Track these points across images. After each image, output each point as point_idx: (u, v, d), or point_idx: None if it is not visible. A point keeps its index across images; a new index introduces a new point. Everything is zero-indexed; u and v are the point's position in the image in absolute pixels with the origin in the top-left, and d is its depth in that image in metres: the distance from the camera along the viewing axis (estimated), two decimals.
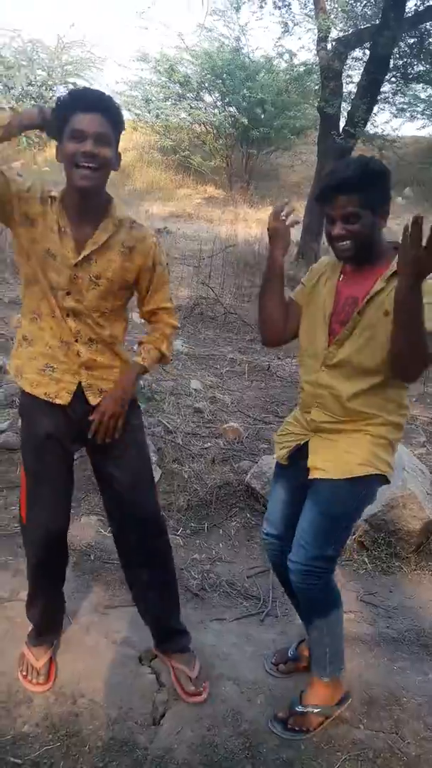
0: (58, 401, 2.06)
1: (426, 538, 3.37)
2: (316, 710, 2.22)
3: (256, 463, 3.77)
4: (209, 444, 4.19)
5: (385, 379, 1.96)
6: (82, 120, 1.85)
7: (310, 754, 2.12)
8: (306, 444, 2.12)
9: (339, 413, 2.02)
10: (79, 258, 1.95)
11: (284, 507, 2.26)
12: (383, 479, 2.07)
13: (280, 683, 2.40)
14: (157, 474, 3.66)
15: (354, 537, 3.32)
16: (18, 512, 2.30)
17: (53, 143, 1.98)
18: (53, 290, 1.98)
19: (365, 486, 2.06)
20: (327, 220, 1.95)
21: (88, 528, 3.27)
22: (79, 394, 2.07)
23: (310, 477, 2.06)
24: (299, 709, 2.23)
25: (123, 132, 1.99)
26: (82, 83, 18.24)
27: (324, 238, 9.46)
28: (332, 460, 2.04)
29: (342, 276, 2.05)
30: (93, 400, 2.09)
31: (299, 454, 2.13)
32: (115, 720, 2.16)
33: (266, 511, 2.37)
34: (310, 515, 2.09)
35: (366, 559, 3.27)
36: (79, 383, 2.07)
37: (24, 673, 2.29)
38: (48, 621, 2.37)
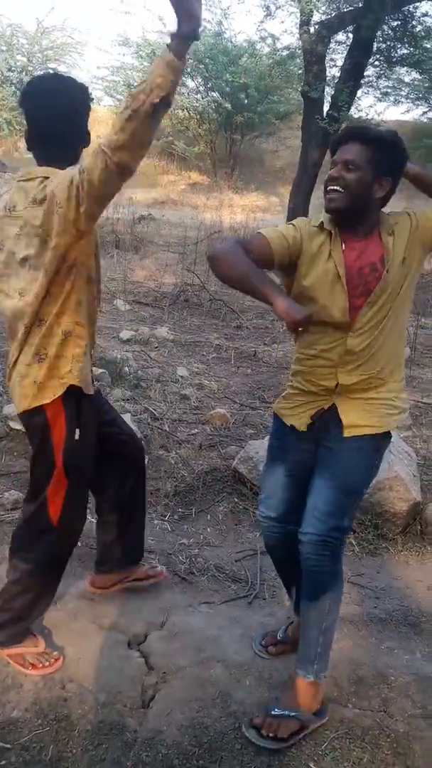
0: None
1: (413, 520, 3.40)
2: (292, 714, 2.11)
3: (243, 448, 3.77)
4: (196, 430, 4.19)
5: (402, 328, 2.10)
6: None
7: None
8: (329, 409, 2.11)
9: (370, 369, 2.06)
10: None
11: (285, 489, 2.22)
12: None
13: (268, 664, 2.41)
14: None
15: None
16: (44, 517, 2.17)
17: None
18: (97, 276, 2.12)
19: (386, 440, 2.15)
20: (332, 166, 2.00)
21: None
22: None
23: (346, 435, 2.07)
24: (275, 712, 2.12)
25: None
26: (62, 68, 18.04)
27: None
28: (371, 415, 2.08)
29: (344, 245, 2.02)
30: None
31: (320, 421, 2.13)
32: (104, 703, 2.16)
33: (262, 493, 2.31)
34: (326, 491, 2.07)
35: (353, 541, 3.28)
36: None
37: (37, 666, 2.25)
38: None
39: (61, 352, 2.03)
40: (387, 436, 2.14)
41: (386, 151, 1.96)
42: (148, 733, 2.07)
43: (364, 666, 2.43)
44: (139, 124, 1.69)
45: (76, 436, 2.10)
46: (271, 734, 2.06)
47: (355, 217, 1.99)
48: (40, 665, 2.25)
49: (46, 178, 1.94)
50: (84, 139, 2.08)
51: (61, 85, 2.03)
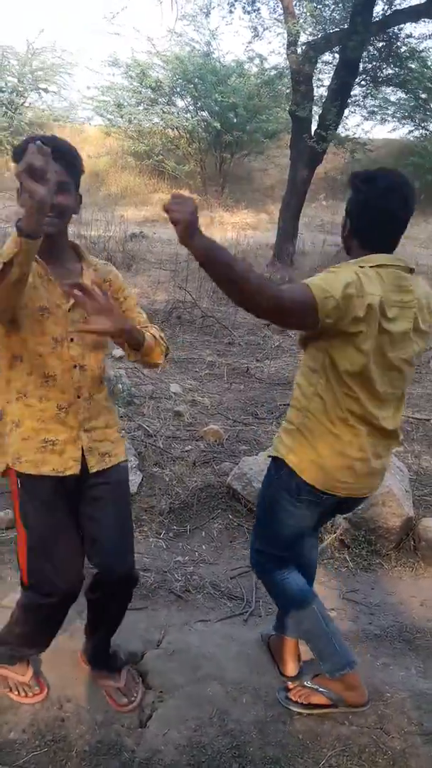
0: (68, 473, 1.99)
1: (405, 535, 3.42)
2: (322, 690, 2.29)
3: (237, 464, 3.79)
4: (190, 447, 4.20)
5: (307, 363, 2.06)
6: None
7: (295, 751, 2.13)
8: None
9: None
10: (71, 302, 1.92)
11: None
12: (288, 467, 2.09)
13: (265, 682, 2.42)
14: (138, 477, 3.66)
15: (335, 535, 3.36)
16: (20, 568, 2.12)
17: None
18: (57, 345, 1.93)
19: (276, 471, 2.17)
20: None
21: None
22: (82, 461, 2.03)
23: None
24: (307, 683, 2.32)
25: (83, 174, 1.98)
26: (53, 89, 18.19)
27: (298, 241, 9.47)
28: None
29: None
30: (94, 465, 2.04)
31: None
32: (102, 723, 2.16)
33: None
34: None
35: (347, 557, 3.30)
36: (81, 449, 2.01)
37: (13, 692, 2.25)
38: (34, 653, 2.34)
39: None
40: (285, 469, 2.10)
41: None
42: (146, 753, 2.07)
43: None
44: None
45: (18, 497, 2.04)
46: (296, 699, 2.30)
47: None
48: (20, 694, 2.24)
49: None
50: None
51: None
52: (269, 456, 2.20)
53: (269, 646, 2.57)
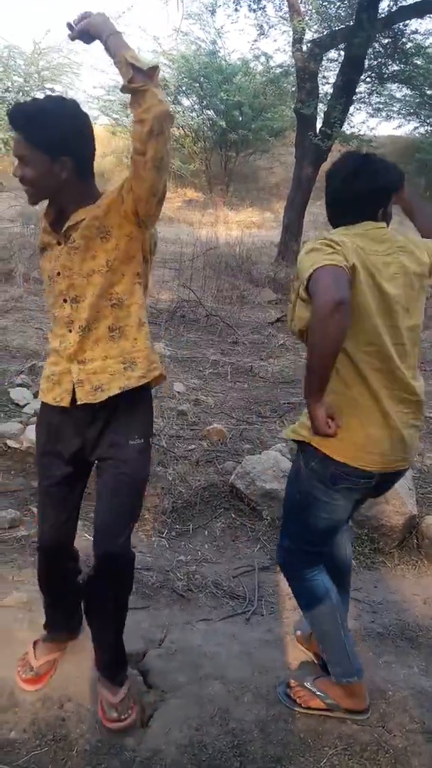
0: (62, 404, 2.00)
1: (409, 533, 3.41)
2: (320, 694, 2.26)
3: (240, 463, 3.78)
4: (193, 446, 4.20)
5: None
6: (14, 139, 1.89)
7: (297, 750, 2.13)
8: None
9: None
10: (62, 231, 1.93)
11: None
12: (320, 454, 2.02)
13: (267, 681, 2.42)
14: None
15: None
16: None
17: None
18: (51, 281, 2.01)
19: (305, 462, 2.08)
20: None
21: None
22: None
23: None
24: (308, 684, 2.30)
25: (63, 134, 1.83)
26: (59, 89, 18.21)
27: (303, 239, 9.52)
28: None
29: None
30: (81, 397, 1.96)
31: None
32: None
33: None
34: None
35: None
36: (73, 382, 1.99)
37: (19, 667, 2.30)
38: (57, 620, 2.40)
39: None
40: (317, 458, 2.05)
41: None
42: (147, 753, 2.07)
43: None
44: None
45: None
46: (294, 698, 2.29)
47: None
48: (19, 673, 2.29)
49: None
50: None
51: None
52: (291, 440, 2.13)
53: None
